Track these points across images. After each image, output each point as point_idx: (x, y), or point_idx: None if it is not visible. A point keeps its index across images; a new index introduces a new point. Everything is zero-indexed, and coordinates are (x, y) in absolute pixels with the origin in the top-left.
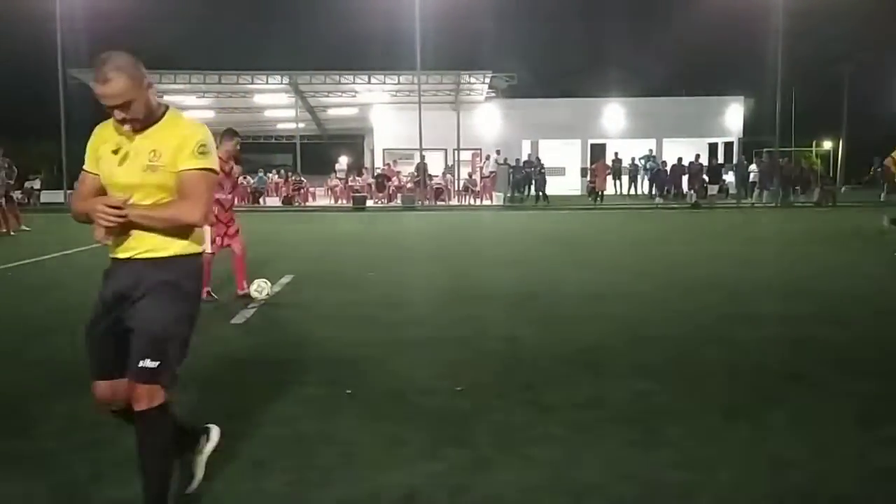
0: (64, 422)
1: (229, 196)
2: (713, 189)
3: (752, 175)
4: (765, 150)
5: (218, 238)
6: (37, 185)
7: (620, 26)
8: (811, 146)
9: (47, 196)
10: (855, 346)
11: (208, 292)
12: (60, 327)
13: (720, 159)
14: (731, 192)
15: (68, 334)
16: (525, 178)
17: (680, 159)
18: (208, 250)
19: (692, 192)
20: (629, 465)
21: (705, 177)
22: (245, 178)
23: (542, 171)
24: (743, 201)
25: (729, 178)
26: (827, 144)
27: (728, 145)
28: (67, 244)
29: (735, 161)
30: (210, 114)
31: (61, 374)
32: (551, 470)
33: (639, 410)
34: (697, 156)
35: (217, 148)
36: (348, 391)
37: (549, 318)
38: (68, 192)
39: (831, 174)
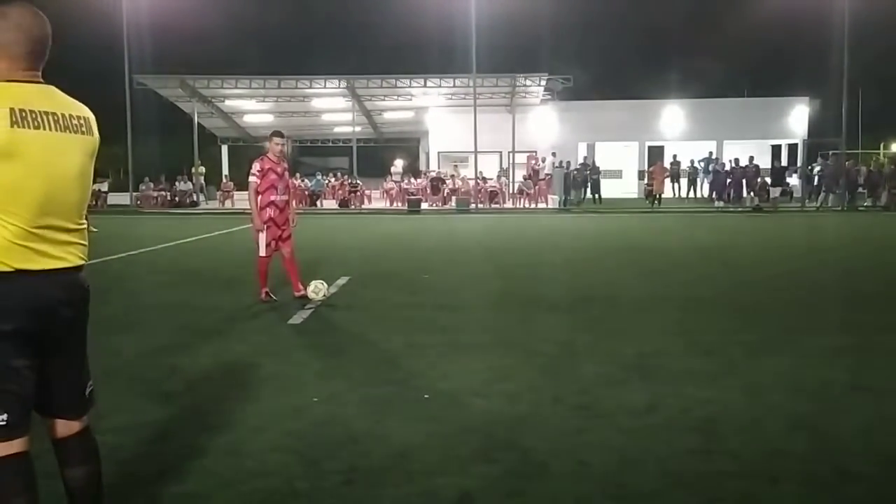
0: (128, 417)
1: (284, 197)
2: (775, 192)
3: (816, 178)
4: (830, 151)
5: (273, 241)
6: (104, 187)
7: (679, 26)
8: (879, 148)
9: (114, 198)
10: None
11: (266, 293)
12: (125, 327)
13: (784, 161)
14: (795, 195)
15: (133, 333)
16: (582, 180)
17: (737, 160)
18: (262, 254)
19: (752, 195)
20: (687, 473)
21: (767, 179)
22: (302, 180)
23: (598, 174)
24: (808, 205)
25: (793, 180)
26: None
27: (792, 147)
28: (133, 245)
29: (799, 164)
30: (269, 118)
31: (126, 372)
32: (607, 476)
33: (697, 418)
34: (751, 158)
35: (267, 150)
36: (427, 395)
37: (605, 322)
38: (134, 194)
39: None
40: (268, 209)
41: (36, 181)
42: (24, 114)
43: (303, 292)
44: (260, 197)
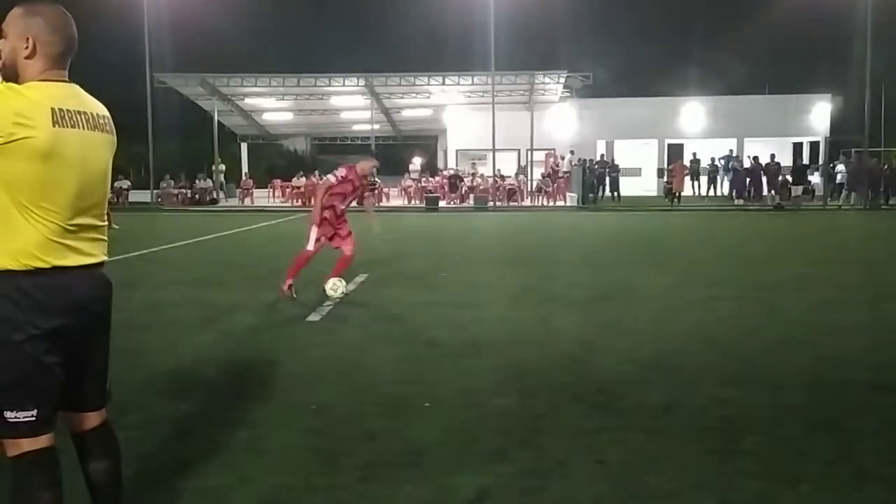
0: (149, 413)
1: (343, 206)
2: (797, 190)
3: (839, 176)
4: (853, 150)
5: (323, 238)
6: (125, 185)
7: (700, 23)
8: None
9: (135, 196)
10: None
11: (290, 286)
12: (145, 323)
13: (805, 159)
14: (817, 193)
15: (153, 330)
16: (599, 178)
17: (756, 158)
18: (310, 248)
19: (773, 193)
20: (705, 473)
21: (788, 177)
22: (321, 178)
23: (617, 172)
24: (829, 203)
25: (815, 178)
26: None
27: (814, 145)
28: (154, 242)
29: (820, 161)
30: (289, 116)
31: (148, 367)
32: (624, 476)
33: (715, 418)
34: (772, 156)
35: (357, 163)
36: (427, 404)
37: (623, 321)
38: (155, 191)
39: None
40: (326, 211)
41: (72, 179)
42: (62, 113)
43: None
44: (325, 198)
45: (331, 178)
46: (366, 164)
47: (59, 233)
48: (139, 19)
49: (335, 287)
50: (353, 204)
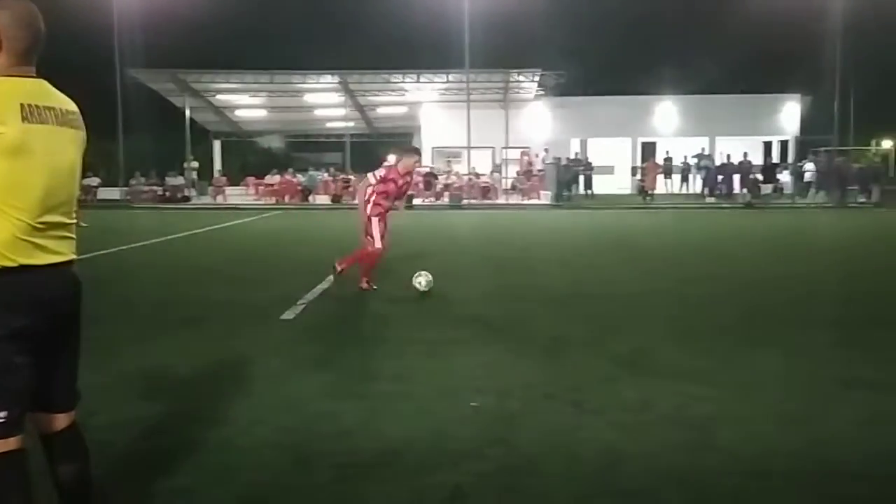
0: (120, 413)
1: (388, 205)
2: (767, 188)
3: (807, 174)
4: (822, 149)
5: (385, 232)
6: (95, 182)
7: (673, 22)
8: (870, 145)
9: (105, 193)
10: None
11: (367, 282)
12: (117, 322)
13: (775, 158)
14: (785, 191)
15: (124, 328)
16: (573, 176)
17: (728, 156)
18: (379, 245)
19: (745, 191)
20: (680, 470)
21: (759, 176)
22: (295, 175)
23: (590, 170)
24: (798, 201)
25: (784, 177)
26: (887, 143)
27: (783, 144)
28: (124, 240)
29: (790, 160)
30: (262, 113)
31: (117, 367)
32: (599, 473)
33: (689, 414)
34: (745, 154)
35: (397, 162)
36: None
37: (597, 318)
38: (125, 188)
39: (891, 174)
40: (378, 207)
41: (40, 176)
42: (31, 109)
43: (341, 269)
44: (371, 199)
45: (370, 178)
46: (409, 161)
47: (27, 231)
48: (108, 13)
49: (424, 278)
50: (328, 201)
